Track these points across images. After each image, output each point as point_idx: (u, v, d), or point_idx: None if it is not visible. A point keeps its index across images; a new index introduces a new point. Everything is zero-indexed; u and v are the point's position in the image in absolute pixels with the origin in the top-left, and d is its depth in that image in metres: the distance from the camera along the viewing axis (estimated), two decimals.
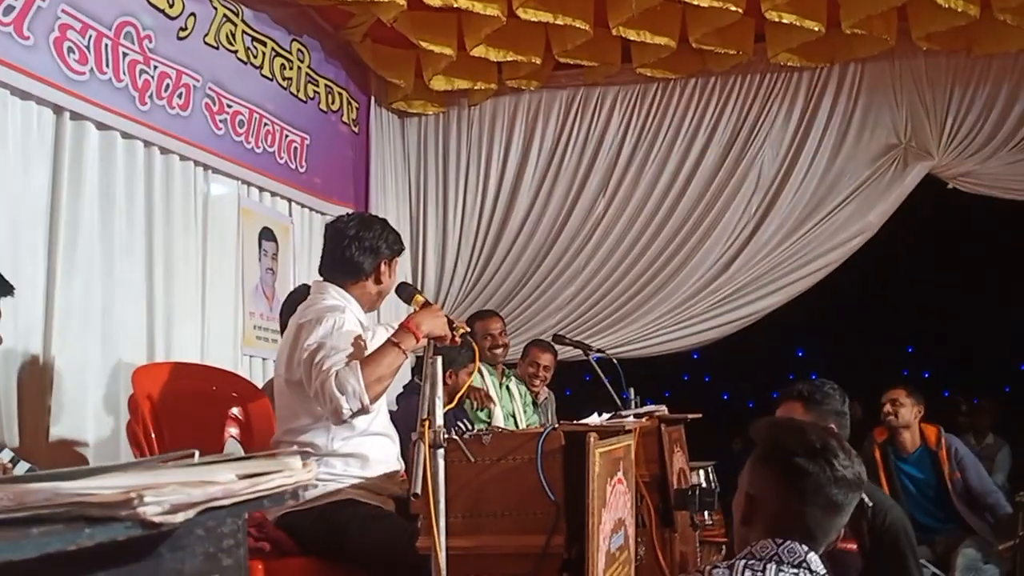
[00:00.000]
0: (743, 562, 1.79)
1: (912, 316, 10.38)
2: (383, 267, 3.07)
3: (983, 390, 8.28)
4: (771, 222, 5.94)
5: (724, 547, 4.14)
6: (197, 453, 0.92)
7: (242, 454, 3.13)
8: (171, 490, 0.73)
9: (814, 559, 1.78)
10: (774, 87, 5.93)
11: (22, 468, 2.87)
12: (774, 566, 1.76)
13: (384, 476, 3.02)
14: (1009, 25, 5.10)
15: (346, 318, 2.89)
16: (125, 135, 3.87)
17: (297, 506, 2.85)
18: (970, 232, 8.58)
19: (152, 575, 0.82)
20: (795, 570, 1.75)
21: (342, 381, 2.71)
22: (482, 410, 4.73)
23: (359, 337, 2.87)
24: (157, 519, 0.72)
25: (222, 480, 0.81)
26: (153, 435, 3.06)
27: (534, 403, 5.27)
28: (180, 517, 0.74)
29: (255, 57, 4.75)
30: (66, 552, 0.69)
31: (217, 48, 4.44)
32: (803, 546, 1.78)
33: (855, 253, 5.95)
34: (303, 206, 5.19)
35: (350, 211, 4.03)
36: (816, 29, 5.08)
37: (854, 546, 2.99)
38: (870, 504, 3.06)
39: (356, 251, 3.03)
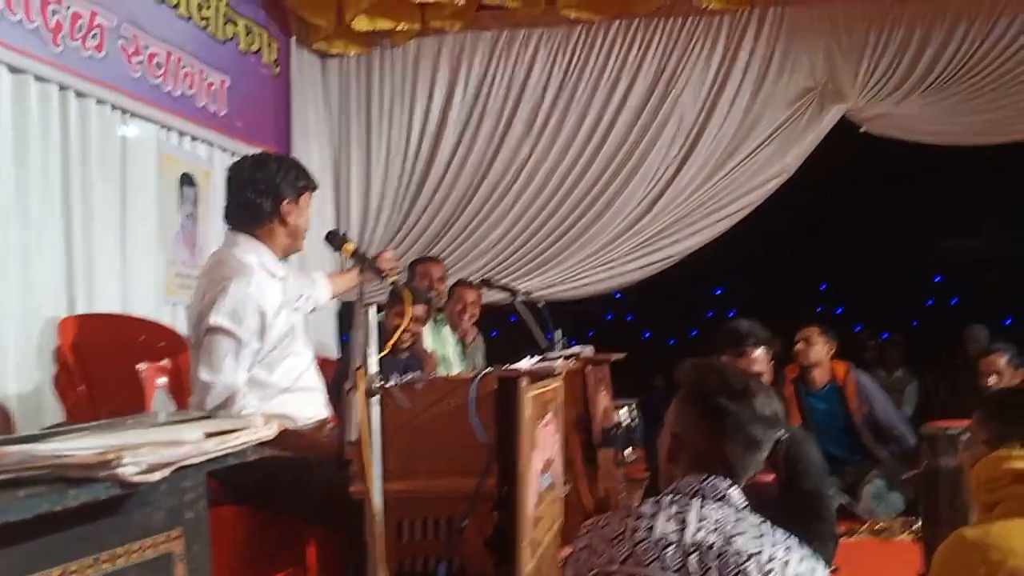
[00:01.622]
0: (669, 497, 1.88)
1: (826, 254, 10.71)
2: (286, 207, 2.96)
3: (893, 325, 8.64)
4: (692, 164, 6.04)
5: (646, 483, 4.28)
6: (162, 414, 0.94)
7: (172, 404, 3.14)
8: (147, 450, 0.76)
9: (735, 493, 1.88)
10: (696, 30, 5.98)
11: None
12: (698, 500, 1.85)
13: (312, 427, 3.03)
14: None
15: (252, 287, 2.83)
16: (39, 78, 3.74)
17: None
18: (882, 173, 8.84)
19: (122, 531, 0.85)
20: (718, 503, 1.85)
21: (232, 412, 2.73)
22: None
23: (263, 314, 2.84)
24: (136, 479, 0.75)
25: (192, 439, 0.84)
26: (79, 387, 3.03)
27: (463, 344, 5.32)
28: (157, 476, 0.77)
29: None
30: (38, 513, 0.72)
31: None
32: (725, 481, 1.88)
33: (773, 193, 6.10)
34: (224, 150, 5.07)
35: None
36: None
37: (771, 477, 3.14)
38: (783, 437, 3.21)
39: (253, 194, 2.93)
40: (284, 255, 3.09)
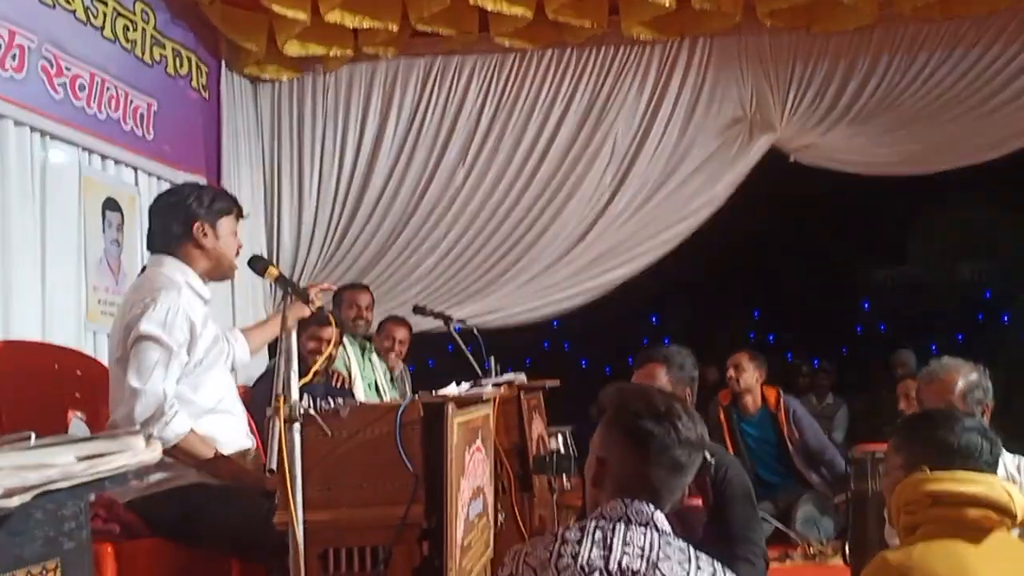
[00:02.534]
0: (594, 523, 1.86)
1: (757, 283, 10.87)
2: (199, 228, 2.95)
3: (823, 353, 8.79)
4: (625, 193, 6.08)
5: (580, 511, 4.26)
6: (33, 435, 0.88)
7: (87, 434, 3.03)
8: (5, 474, 0.71)
9: (660, 518, 1.86)
10: (627, 60, 6.06)
11: None
12: (623, 525, 1.83)
13: (235, 454, 2.97)
14: (845, 4, 5.39)
15: (182, 299, 2.83)
16: None
17: (146, 489, 2.78)
18: (809, 203, 9.02)
19: None
20: (643, 529, 1.83)
21: (172, 424, 2.72)
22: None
23: (192, 324, 2.83)
24: None
25: (60, 462, 0.78)
26: None
27: (391, 378, 5.28)
28: (15, 501, 0.72)
29: (95, 17, 4.52)
30: None
31: (53, 7, 4.20)
32: (650, 506, 1.86)
33: (706, 222, 6.16)
34: (151, 175, 4.97)
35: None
36: (667, 4, 5.22)
37: (699, 502, 3.13)
38: (712, 461, 3.20)
39: (165, 217, 2.97)
40: (209, 278, 3.04)
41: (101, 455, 0.84)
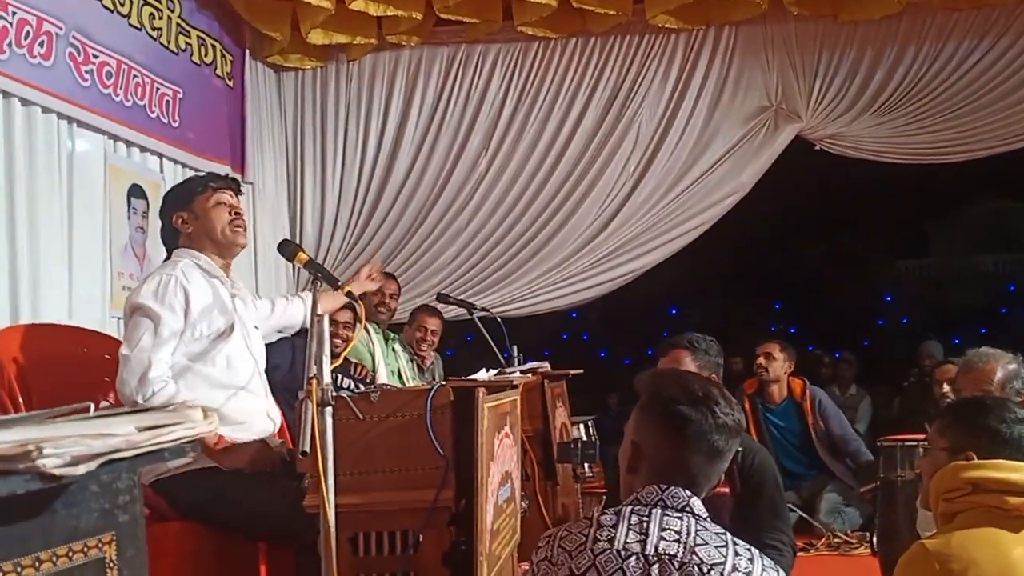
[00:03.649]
0: (630, 508, 1.84)
1: (779, 274, 10.81)
2: (179, 220, 3.08)
3: (845, 344, 8.74)
4: (648, 181, 6.05)
5: (604, 498, 4.25)
6: (92, 406, 0.88)
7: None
8: (71, 442, 0.70)
9: (697, 503, 1.84)
10: (652, 48, 6.02)
11: None
12: (659, 511, 1.81)
13: (258, 438, 2.97)
14: None
15: (178, 270, 2.93)
16: None
17: (169, 472, 2.78)
18: (833, 195, 8.97)
19: (46, 532, 0.78)
20: (679, 514, 1.81)
21: (159, 395, 2.75)
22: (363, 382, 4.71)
23: (187, 292, 2.89)
24: (57, 471, 0.69)
25: (122, 432, 0.78)
26: (21, 400, 2.92)
27: (420, 368, 5.27)
28: (81, 469, 0.71)
29: (122, 6, 4.53)
30: None
31: None
32: (686, 491, 1.84)
33: (727, 212, 6.13)
34: (176, 162, 4.99)
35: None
36: None
37: (726, 489, 3.11)
38: (739, 448, 3.18)
39: (163, 226, 3.16)
40: (219, 255, 3.09)
41: (160, 426, 0.84)
